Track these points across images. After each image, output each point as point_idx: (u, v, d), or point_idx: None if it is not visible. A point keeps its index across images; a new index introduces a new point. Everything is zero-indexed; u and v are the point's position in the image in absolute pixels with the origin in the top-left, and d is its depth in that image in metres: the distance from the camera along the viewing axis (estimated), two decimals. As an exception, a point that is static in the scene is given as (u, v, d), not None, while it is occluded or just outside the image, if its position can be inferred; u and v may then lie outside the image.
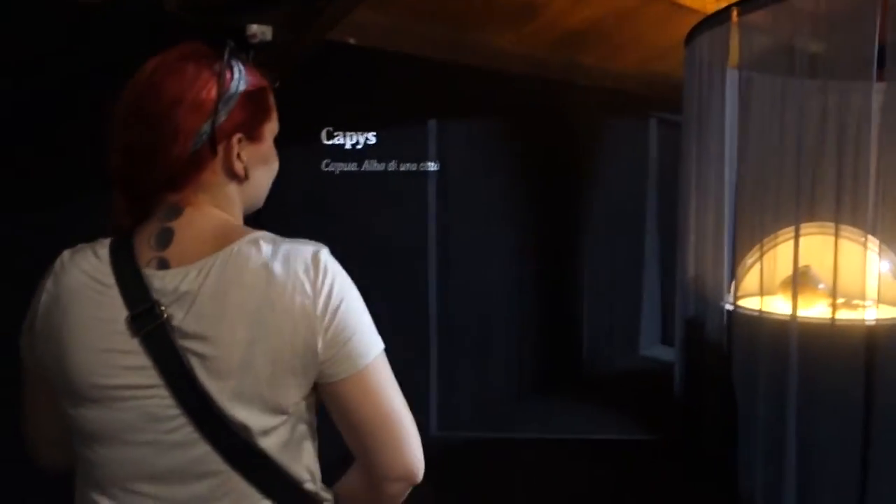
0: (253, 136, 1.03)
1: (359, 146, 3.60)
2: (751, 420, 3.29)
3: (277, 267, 0.93)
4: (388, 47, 3.76)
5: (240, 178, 1.03)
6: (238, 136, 1.01)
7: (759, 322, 3.30)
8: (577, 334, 5.48)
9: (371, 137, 3.64)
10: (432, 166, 4.11)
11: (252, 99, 1.02)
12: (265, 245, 0.95)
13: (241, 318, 0.92)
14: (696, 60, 3.76)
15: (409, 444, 0.98)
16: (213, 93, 0.98)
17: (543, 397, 4.96)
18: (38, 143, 2.53)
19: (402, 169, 3.87)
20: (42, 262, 1.04)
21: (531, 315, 5.00)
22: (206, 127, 0.98)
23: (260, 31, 3.01)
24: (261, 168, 1.06)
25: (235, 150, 1.01)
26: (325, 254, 0.97)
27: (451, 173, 4.21)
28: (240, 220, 1.05)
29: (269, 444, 0.96)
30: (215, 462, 0.94)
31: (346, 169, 3.58)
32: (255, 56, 3.44)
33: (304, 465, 1.01)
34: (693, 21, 3.84)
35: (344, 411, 0.98)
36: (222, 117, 0.99)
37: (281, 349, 0.93)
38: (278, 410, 0.95)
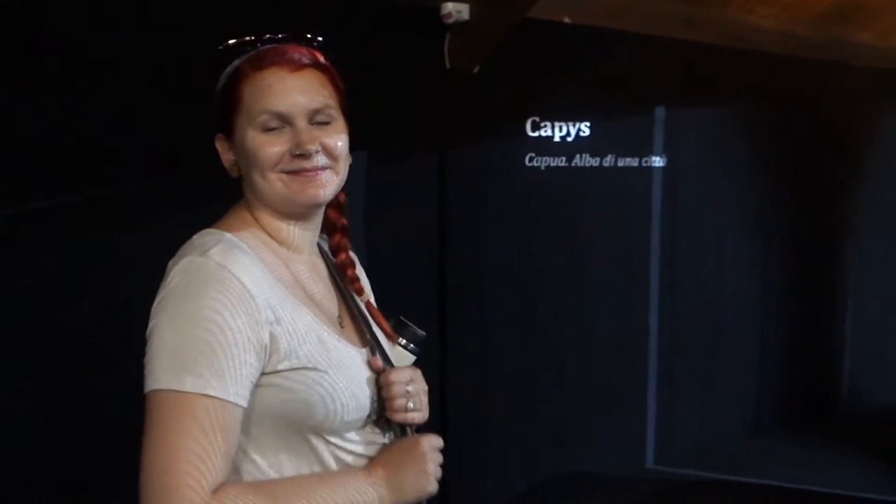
0: (227, 132, 1.08)
1: (569, 138, 3.45)
2: None
3: (170, 263, 1.01)
4: (610, 25, 3.48)
5: (237, 175, 1.10)
6: (218, 135, 1.10)
7: None
8: (836, 360, 5.00)
9: (584, 128, 3.43)
10: (658, 161, 3.77)
11: (220, 95, 1.08)
12: (189, 242, 1.02)
13: None
14: None
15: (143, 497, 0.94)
16: None
17: (786, 437, 4.51)
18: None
19: (621, 164, 3.60)
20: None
21: (775, 336, 4.66)
22: None
23: (455, 9, 2.98)
24: (244, 162, 1.07)
25: (219, 148, 1.10)
26: (184, 262, 0.98)
27: (682, 169, 3.90)
28: (268, 216, 1.08)
29: None
30: None
31: (553, 164, 3.36)
32: (451, 38, 3.11)
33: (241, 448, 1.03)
34: None
35: None
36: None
37: None
38: None
